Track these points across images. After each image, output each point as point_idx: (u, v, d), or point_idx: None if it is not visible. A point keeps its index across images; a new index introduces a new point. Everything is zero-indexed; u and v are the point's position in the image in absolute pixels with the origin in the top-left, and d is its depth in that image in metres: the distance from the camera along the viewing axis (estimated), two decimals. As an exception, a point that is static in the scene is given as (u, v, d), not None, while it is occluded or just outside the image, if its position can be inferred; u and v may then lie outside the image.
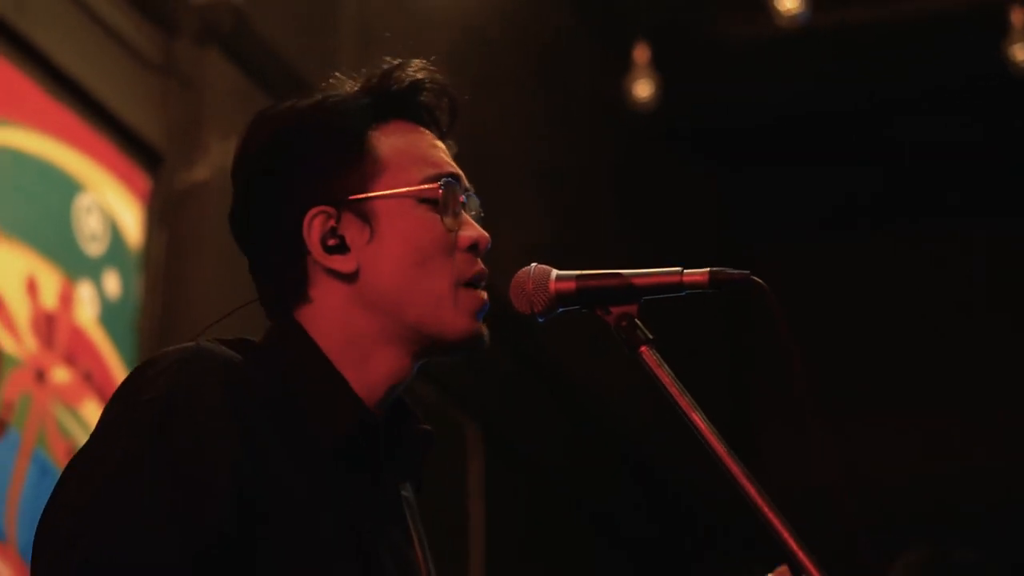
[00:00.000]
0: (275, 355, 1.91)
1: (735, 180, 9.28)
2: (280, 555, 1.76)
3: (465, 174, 2.01)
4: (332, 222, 1.92)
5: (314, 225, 1.92)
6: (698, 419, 1.79)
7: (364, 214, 1.92)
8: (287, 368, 1.89)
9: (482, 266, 1.96)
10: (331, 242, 1.92)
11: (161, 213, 5.48)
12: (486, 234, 1.97)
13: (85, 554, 1.66)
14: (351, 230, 1.92)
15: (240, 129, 2.02)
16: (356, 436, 1.87)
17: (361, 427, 1.88)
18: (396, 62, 2.00)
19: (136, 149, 5.41)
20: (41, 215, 4.91)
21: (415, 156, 1.96)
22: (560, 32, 7.76)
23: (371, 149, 1.95)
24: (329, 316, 1.92)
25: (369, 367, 1.91)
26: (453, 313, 1.91)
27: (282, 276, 1.95)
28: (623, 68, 7.64)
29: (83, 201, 5.11)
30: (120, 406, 1.80)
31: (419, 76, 1.99)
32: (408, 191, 1.92)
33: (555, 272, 1.90)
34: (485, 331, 1.95)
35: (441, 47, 6.35)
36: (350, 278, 1.92)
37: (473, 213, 2.00)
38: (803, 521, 1.84)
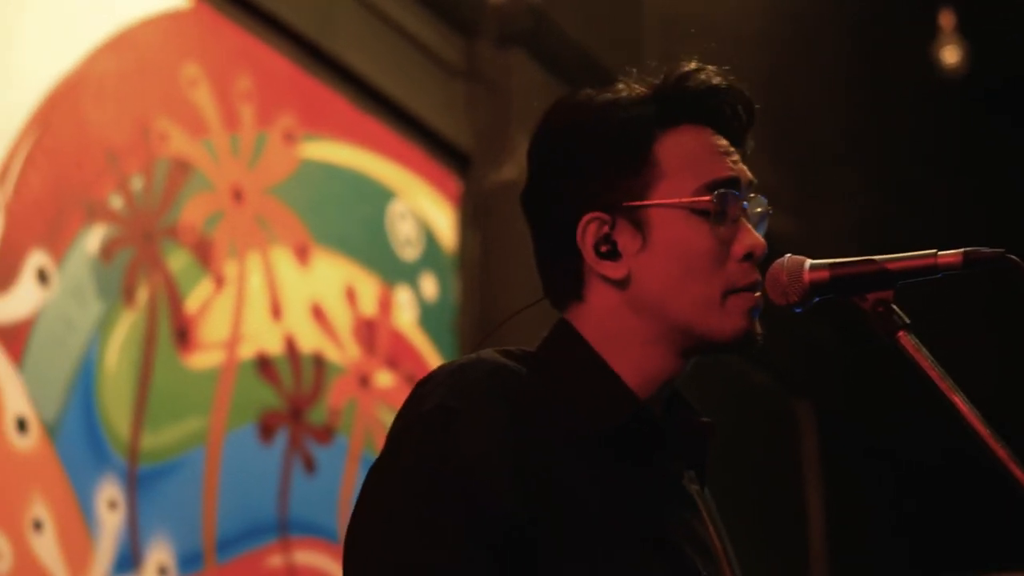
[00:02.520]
0: (548, 356, 1.93)
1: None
2: (575, 550, 1.78)
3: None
4: (606, 228, 1.91)
5: (589, 230, 1.91)
6: (960, 402, 1.75)
7: (637, 221, 1.91)
8: (560, 367, 1.91)
9: (757, 275, 1.92)
10: (604, 248, 1.91)
11: (473, 214, 5.58)
12: (762, 241, 1.93)
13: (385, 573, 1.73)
14: (624, 236, 1.91)
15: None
16: (633, 427, 1.87)
17: (637, 418, 1.88)
18: (691, 65, 1.98)
19: (445, 153, 5.53)
20: (356, 225, 5.05)
21: (693, 163, 1.93)
22: (871, 3, 7.62)
23: (653, 156, 1.93)
24: (600, 317, 1.93)
25: (641, 365, 1.91)
26: (721, 316, 1.90)
27: (559, 274, 1.96)
28: (930, 35, 7.48)
29: (396, 208, 5.24)
30: (402, 422, 1.84)
31: (714, 80, 1.96)
32: (680, 202, 1.91)
33: (808, 262, 1.86)
34: (758, 329, 1.92)
35: (750, 32, 6.30)
36: (621, 284, 1.91)
37: (760, 211, 1.97)
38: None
